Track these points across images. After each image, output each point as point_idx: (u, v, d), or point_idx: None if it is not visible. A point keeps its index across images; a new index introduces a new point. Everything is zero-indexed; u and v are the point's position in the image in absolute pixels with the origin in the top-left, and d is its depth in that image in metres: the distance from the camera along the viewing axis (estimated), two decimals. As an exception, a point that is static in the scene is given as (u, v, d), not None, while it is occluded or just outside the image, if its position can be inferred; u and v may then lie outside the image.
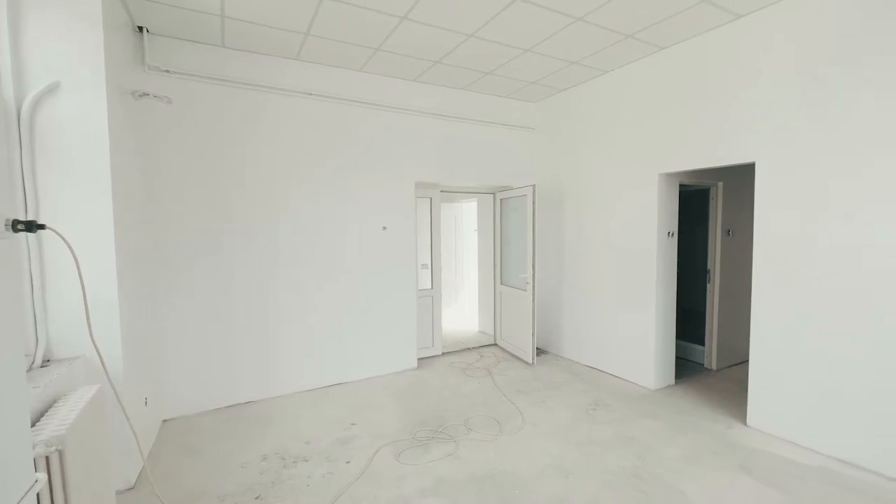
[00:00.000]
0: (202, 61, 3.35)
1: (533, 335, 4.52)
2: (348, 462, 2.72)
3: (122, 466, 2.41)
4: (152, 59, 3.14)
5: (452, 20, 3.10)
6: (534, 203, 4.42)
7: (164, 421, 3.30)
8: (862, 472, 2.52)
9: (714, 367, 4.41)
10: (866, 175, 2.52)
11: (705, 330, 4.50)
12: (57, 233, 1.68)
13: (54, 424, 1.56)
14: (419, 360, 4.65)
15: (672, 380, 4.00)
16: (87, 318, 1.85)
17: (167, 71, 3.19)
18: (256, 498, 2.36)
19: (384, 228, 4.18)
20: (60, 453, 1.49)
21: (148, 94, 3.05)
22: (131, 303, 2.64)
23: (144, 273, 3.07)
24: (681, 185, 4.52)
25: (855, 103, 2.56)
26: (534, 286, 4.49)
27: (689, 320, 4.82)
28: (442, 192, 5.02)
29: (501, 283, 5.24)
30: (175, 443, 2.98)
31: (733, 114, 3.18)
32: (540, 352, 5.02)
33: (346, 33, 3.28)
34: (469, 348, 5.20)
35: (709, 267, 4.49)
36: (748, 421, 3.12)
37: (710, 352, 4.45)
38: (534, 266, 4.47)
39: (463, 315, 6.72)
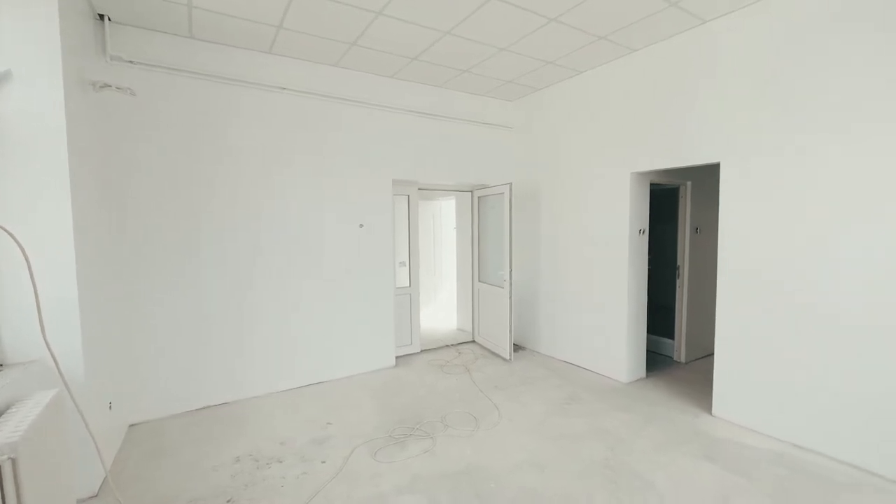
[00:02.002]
0: (169, 53, 3.23)
1: (510, 332, 4.57)
2: (324, 462, 2.69)
3: (84, 473, 2.32)
4: (115, 49, 3.00)
5: (428, 17, 3.09)
6: (510, 201, 4.46)
7: (132, 425, 3.18)
8: (814, 456, 2.67)
9: (683, 359, 4.58)
10: (826, 176, 2.65)
11: (675, 324, 4.66)
12: (5, 230, 1.59)
13: (7, 432, 1.49)
14: (397, 357, 4.64)
15: (643, 373, 4.13)
16: (40, 319, 1.77)
17: (131, 62, 3.05)
18: (228, 501, 2.31)
19: (361, 226, 4.14)
20: (13, 461, 1.42)
21: (110, 86, 2.92)
22: (94, 303, 2.53)
23: (110, 272, 2.95)
24: (652, 184, 4.66)
25: (815, 106, 2.68)
26: (511, 283, 4.54)
27: (660, 315, 4.98)
28: (420, 189, 5.00)
29: (479, 281, 5.27)
30: (143, 447, 2.88)
31: (699, 115, 3.29)
32: (517, 348, 5.08)
33: (320, 27, 3.22)
34: (447, 345, 5.22)
35: (678, 263, 4.64)
36: (713, 411, 3.25)
37: (680, 345, 4.62)
38: (511, 263, 4.52)
39: (442, 312, 6.73)
